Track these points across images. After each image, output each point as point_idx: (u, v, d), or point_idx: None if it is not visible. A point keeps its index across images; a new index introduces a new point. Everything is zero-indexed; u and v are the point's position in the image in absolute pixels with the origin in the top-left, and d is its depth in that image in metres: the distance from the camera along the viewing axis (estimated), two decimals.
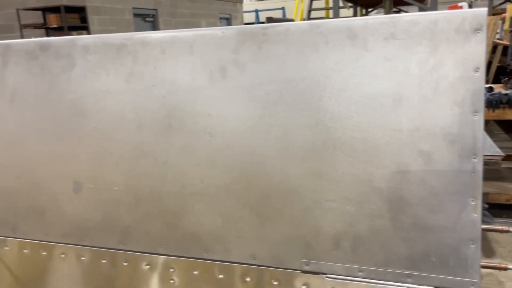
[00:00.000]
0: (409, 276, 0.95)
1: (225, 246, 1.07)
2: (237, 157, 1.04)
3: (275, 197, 1.02)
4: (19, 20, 9.63)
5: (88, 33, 9.80)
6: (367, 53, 0.94)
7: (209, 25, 13.86)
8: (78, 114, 1.17)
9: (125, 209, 1.15)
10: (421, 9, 7.84)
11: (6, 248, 1.28)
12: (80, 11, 9.83)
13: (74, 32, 9.58)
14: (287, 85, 0.99)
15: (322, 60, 0.97)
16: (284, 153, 1.00)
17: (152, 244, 1.13)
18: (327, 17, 11.72)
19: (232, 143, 1.04)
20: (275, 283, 1.04)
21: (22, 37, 9.61)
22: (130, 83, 1.11)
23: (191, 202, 1.08)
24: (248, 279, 1.06)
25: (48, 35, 10.00)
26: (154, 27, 11.88)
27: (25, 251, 1.26)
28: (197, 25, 13.32)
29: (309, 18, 10.18)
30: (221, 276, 1.08)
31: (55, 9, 9.61)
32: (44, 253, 1.24)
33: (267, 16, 11.41)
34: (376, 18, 0.94)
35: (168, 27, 12.09)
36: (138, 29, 11.22)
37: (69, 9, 9.63)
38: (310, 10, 10.12)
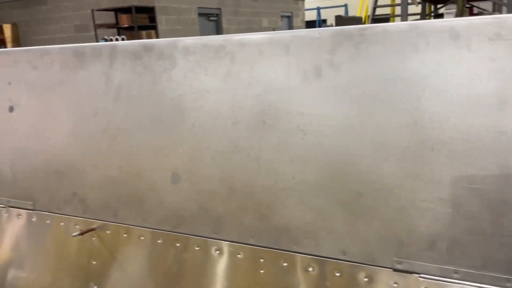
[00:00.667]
0: (508, 280, 0.93)
1: (315, 241, 1.11)
2: (330, 155, 1.07)
3: (368, 195, 1.03)
4: (93, 20, 10.25)
5: (156, 32, 10.24)
6: (470, 53, 0.93)
7: (271, 23, 13.95)
8: (178, 111, 1.25)
9: (219, 200, 1.22)
10: (495, 5, 7.39)
11: (107, 232, 1.40)
12: (149, 11, 10.27)
13: (144, 32, 10.06)
14: (385, 85, 1.00)
15: (422, 60, 0.97)
16: (379, 153, 1.01)
17: (243, 234, 1.19)
18: (392, 14, 11.38)
19: (326, 141, 1.07)
20: (365, 279, 1.06)
21: (96, 36, 10.23)
22: (227, 82, 1.18)
23: (283, 197, 1.13)
24: (337, 274, 1.09)
25: (119, 34, 10.57)
26: (218, 26, 12.16)
27: (124, 235, 1.37)
28: (258, 24, 13.46)
29: (374, 15, 9.94)
30: (310, 269, 1.12)
31: (126, 10, 10.12)
32: (142, 238, 1.35)
33: (334, 14, 11.27)
34: (481, 18, 0.93)
35: (230, 26, 12.33)
36: (202, 28, 11.56)
37: (139, 10, 10.09)
38: (375, 6, 9.88)
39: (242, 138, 1.17)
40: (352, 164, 1.05)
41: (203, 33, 11.40)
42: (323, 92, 1.07)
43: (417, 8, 9.26)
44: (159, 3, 10.16)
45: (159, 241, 1.32)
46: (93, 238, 1.43)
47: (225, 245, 1.22)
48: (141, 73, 1.30)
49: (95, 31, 10.22)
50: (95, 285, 1.44)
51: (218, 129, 1.20)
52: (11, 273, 1.61)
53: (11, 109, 1.55)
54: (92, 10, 10.12)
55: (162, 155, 1.29)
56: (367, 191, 1.04)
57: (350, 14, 16.00)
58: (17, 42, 11.57)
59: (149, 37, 9.98)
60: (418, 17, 8.77)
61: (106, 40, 9.83)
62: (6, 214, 1.59)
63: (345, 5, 17.74)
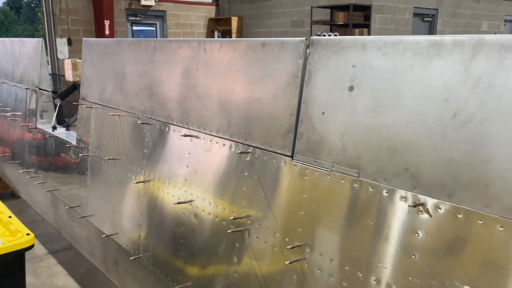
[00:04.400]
0: None
1: None
2: None
3: None
4: (311, 16, 10.86)
5: (369, 31, 10.31)
6: None
7: (491, 27, 12.59)
8: None
9: None
10: None
11: (439, 210, 1.51)
12: (365, 9, 10.39)
13: (357, 30, 10.25)
14: None
15: None
16: None
17: None
18: None
19: None
20: None
21: (311, 32, 10.85)
22: None
23: None
24: None
25: (331, 30, 10.99)
26: (431, 27, 11.57)
27: (459, 216, 1.46)
28: (477, 27, 12.31)
29: None
30: None
31: (343, 7, 10.43)
32: (480, 222, 1.41)
33: None
34: None
35: (445, 28, 11.58)
36: (415, 29, 11.15)
37: (356, 8, 10.29)
38: None
39: None
40: None
41: (415, 34, 11.00)
42: None
43: None
44: (376, 1, 10.19)
45: (501, 228, 1.37)
46: (420, 213, 1.56)
47: None
48: (509, 66, 1.35)
49: (311, 26, 10.85)
50: (413, 254, 1.57)
51: None
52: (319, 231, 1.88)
53: (351, 88, 1.79)
54: (312, 7, 10.75)
55: None
56: None
57: None
58: (240, 33, 13.12)
59: (361, 34, 10.13)
60: None
61: (319, 36, 10.35)
62: (329, 177, 1.86)
63: None
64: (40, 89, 4.65)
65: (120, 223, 3.28)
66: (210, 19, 13.66)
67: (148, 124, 2.96)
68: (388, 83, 1.66)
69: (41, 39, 4.63)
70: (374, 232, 1.70)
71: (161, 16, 12.98)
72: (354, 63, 1.78)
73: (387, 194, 1.66)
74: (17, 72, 5.09)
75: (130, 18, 12.65)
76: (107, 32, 11.38)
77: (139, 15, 12.78)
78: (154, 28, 13.18)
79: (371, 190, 1.71)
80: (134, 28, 12.87)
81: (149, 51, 2.96)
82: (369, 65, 1.73)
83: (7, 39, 5.50)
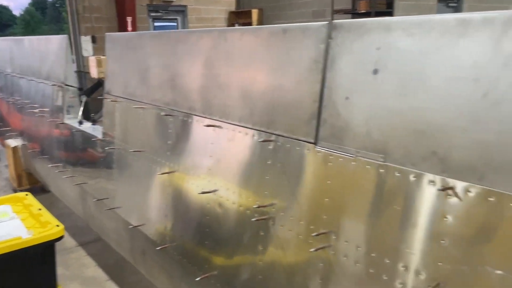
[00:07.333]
0: None
1: None
2: None
3: None
4: (332, 6, 10.69)
5: None
6: None
7: None
8: None
9: None
10: None
11: (469, 193, 1.46)
12: None
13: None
14: None
15: None
16: None
17: None
18: None
19: None
20: None
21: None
22: None
23: None
24: None
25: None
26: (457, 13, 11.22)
27: (490, 199, 1.41)
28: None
29: None
30: None
31: None
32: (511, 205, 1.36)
33: None
34: None
35: None
36: None
37: None
38: None
39: None
40: None
41: None
42: None
43: None
44: None
45: None
46: (449, 197, 1.52)
47: None
48: None
49: (332, 16, 10.69)
50: (443, 239, 1.53)
51: None
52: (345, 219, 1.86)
53: (375, 71, 1.75)
54: None
55: None
56: None
57: None
58: (260, 25, 13.04)
59: None
60: None
61: None
62: (354, 163, 1.83)
63: None
64: (66, 85, 4.75)
65: (146, 214, 3.33)
66: (231, 12, 13.65)
67: (171, 115, 2.98)
68: (415, 64, 1.62)
69: (66, 35, 4.72)
70: (401, 218, 1.66)
71: (182, 11, 13.04)
72: (379, 46, 1.73)
73: (414, 178, 1.62)
74: (44, 69, 5.21)
75: (151, 14, 12.77)
76: (129, 28, 11.51)
77: (160, 11, 12.87)
78: (175, 23, 13.26)
79: (398, 175, 1.67)
80: (156, 24, 12.98)
81: (171, 43, 2.97)
82: (394, 47, 1.68)
83: (34, 37, 5.64)
